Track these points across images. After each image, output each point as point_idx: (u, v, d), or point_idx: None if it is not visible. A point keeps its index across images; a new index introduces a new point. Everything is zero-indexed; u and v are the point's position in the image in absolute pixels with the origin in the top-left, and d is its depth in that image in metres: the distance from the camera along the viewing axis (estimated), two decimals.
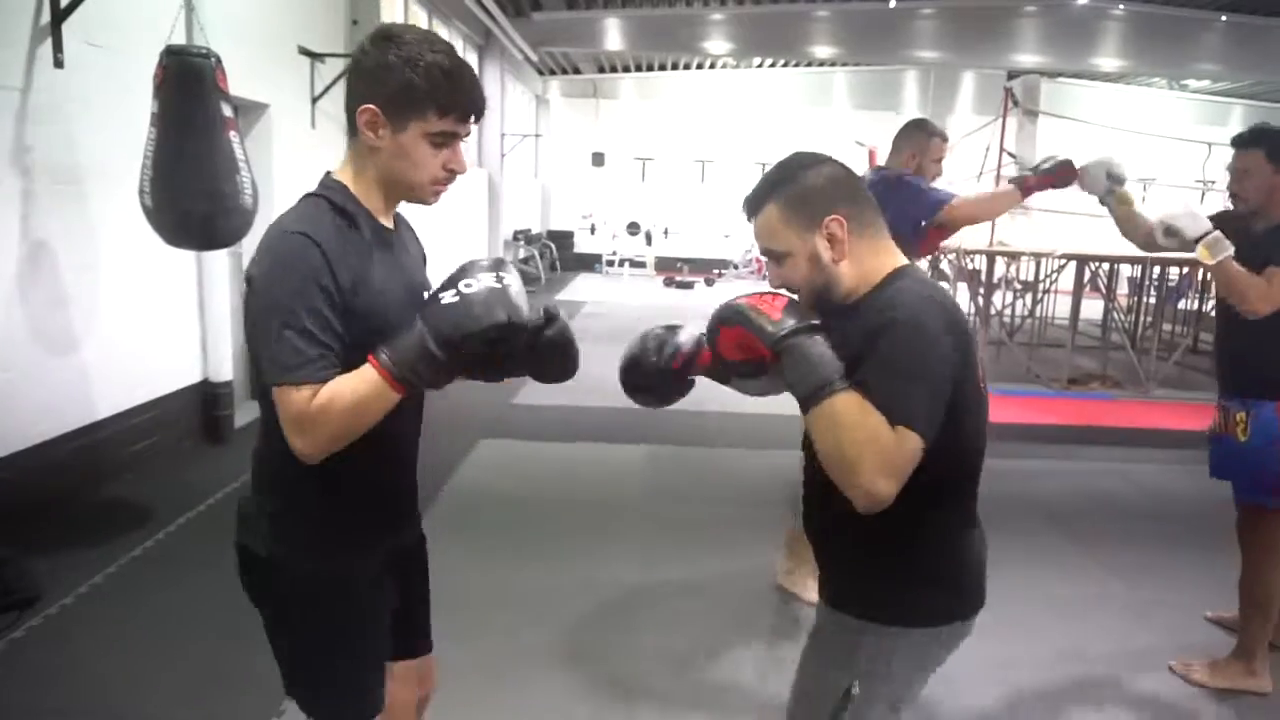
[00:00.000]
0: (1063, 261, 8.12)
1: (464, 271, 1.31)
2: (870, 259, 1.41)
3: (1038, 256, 8.46)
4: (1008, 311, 9.15)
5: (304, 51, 5.90)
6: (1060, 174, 3.15)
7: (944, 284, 9.19)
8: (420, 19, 9.89)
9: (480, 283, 1.28)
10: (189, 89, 3.42)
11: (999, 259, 8.45)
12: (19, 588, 3.01)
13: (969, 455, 1.43)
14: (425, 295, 1.44)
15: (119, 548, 3.52)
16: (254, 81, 5.01)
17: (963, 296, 8.64)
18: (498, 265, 1.32)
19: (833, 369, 1.30)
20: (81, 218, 3.88)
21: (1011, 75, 12.96)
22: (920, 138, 3.37)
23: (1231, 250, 2.53)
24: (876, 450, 1.24)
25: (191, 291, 4.88)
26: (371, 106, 1.33)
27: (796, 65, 17.11)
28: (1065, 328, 8.09)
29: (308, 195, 1.40)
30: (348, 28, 6.84)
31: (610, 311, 10.98)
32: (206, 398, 4.95)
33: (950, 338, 1.33)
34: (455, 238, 10.45)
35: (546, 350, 1.42)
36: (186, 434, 4.81)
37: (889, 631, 1.42)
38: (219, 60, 3.50)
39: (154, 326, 4.51)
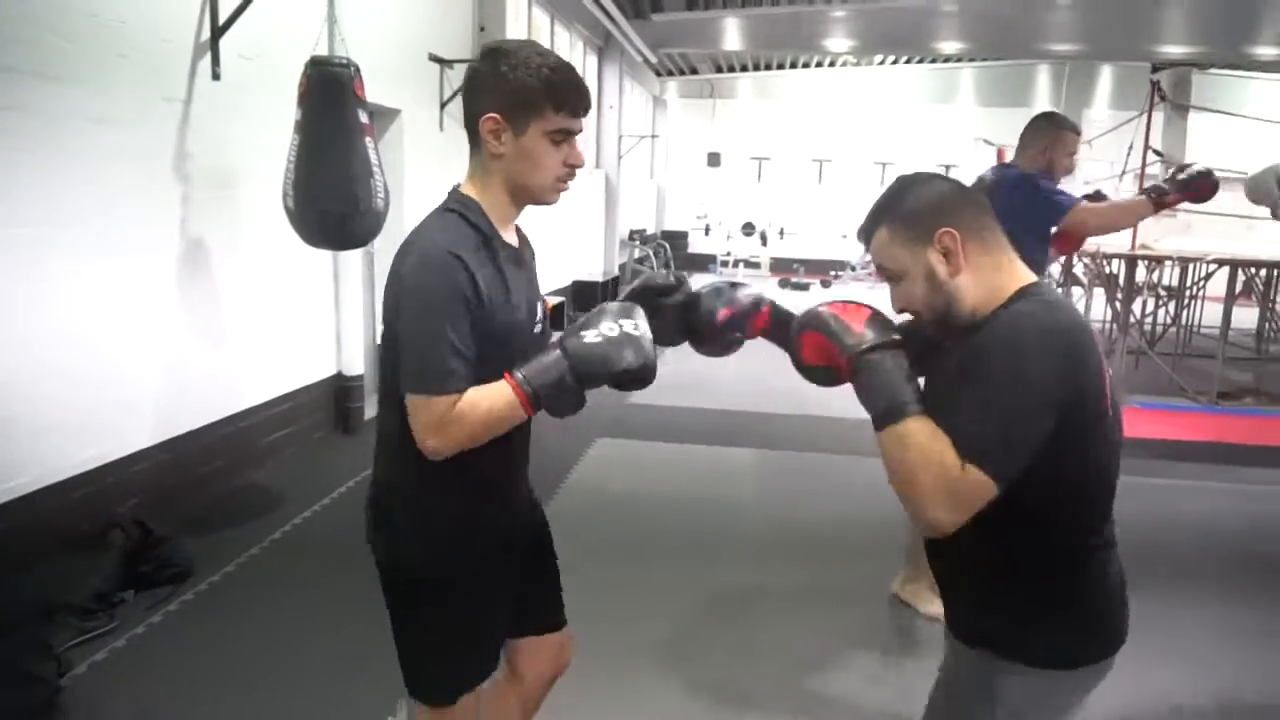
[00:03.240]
0: (1214, 267, 7.57)
1: (603, 315, 1.44)
2: (993, 274, 1.35)
3: (1185, 261, 7.92)
4: (1148, 319, 8.60)
5: (434, 58, 6.12)
6: (1197, 188, 2.94)
7: (1078, 289, 8.73)
8: (543, 23, 10.11)
9: (620, 328, 1.41)
10: (329, 97, 3.61)
11: (1139, 263, 7.95)
12: (175, 564, 3.25)
13: (1095, 486, 1.35)
14: (539, 307, 1.57)
15: (260, 530, 3.75)
16: (388, 88, 5.24)
17: (1098, 303, 8.19)
18: (631, 312, 1.45)
19: (906, 391, 1.28)
20: (232, 220, 4.16)
21: (1157, 67, 12.17)
22: (1050, 131, 3.16)
23: None
24: (940, 482, 1.22)
25: (328, 289, 5.15)
26: (494, 115, 1.42)
27: (920, 61, 16.61)
28: (1213, 337, 7.55)
29: (446, 210, 1.47)
30: (475, 34, 7.06)
31: None
32: (339, 390, 5.22)
33: (1062, 365, 1.25)
34: (572, 238, 10.64)
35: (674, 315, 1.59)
36: (320, 425, 5.07)
37: (1022, 670, 1.35)
38: (358, 69, 3.68)
39: (293, 322, 4.78)
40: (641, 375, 1.41)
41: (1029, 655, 1.35)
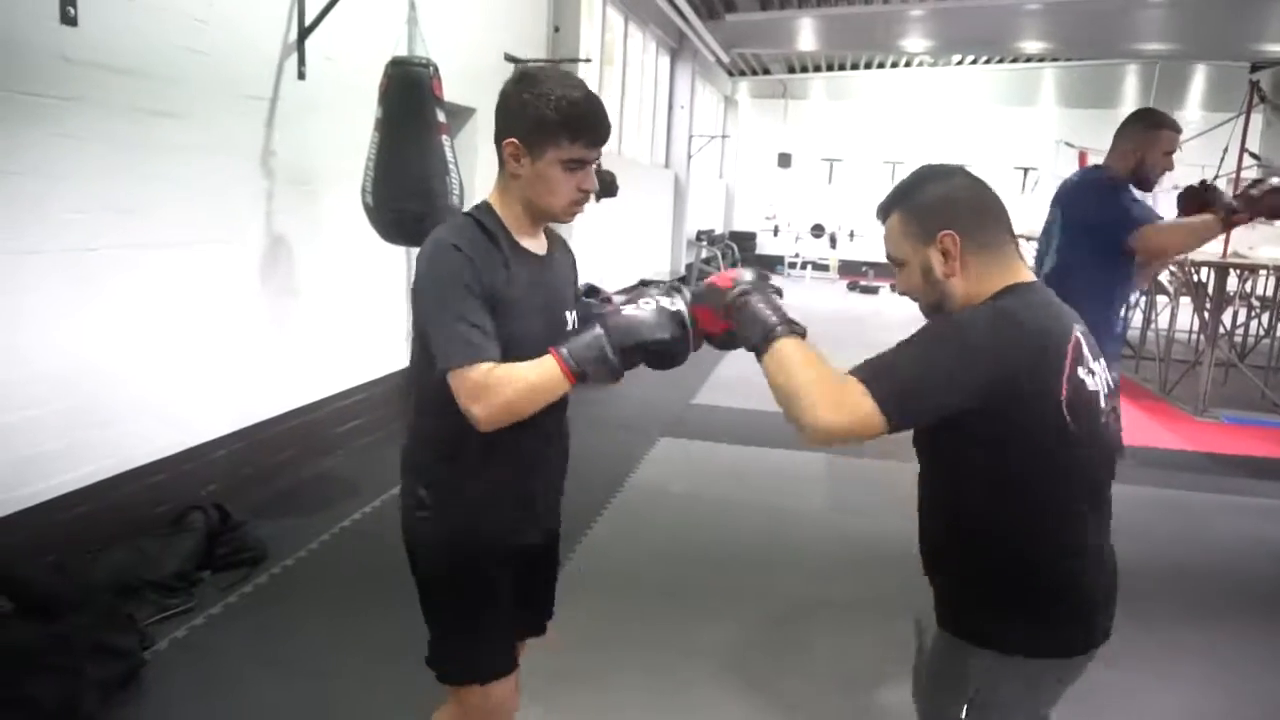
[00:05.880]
0: None
1: (643, 291, 1.54)
2: (986, 278, 1.40)
3: None
4: (1239, 331, 8.22)
5: (509, 58, 6.20)
6: (1270, 206, 2.79)
7: (1163, 298, 8.38)
8: (616, 23, 10.16)
9: (656, 302, 1.50)
10: (408, 96, 3.68)
11: (1231, 271, 7.59)
12: (250, 547, 3.36)
13: (1067, 481, 1.38)
14: (568, 312, 1.65)
15: (331, 517, 3.85)
16: (464, 88, 5.32)
17: (1185, 312, 7.85)
18: (671, 289, 1.54)
19: (777, 318, 1.38)
20: (312, 215, 4.28)
21: (1257, 66, 11.61)
22: (1144, 130, 3.02)
23: None
24: (821, 384, 1.29)
25: (401, 285, 5.26)
26: (513, 140, 1.53)
27: (1000, 61, 16.19)
28: None
29: (463, 214, 1.61)
30: (549, 34, 7.13)
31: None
32: (410, 383, 5.31)
33: (1000, 347, 1.30)
34: (641, 236, 10.67)
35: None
36: (392, 416, 5.18)
37: (993, 656, 1.41)
38: (436, 69, 3.74)
39: (367, 316, 4.90)
40: (674, 348, 1.49)
41: (994, 641, 1.41)
